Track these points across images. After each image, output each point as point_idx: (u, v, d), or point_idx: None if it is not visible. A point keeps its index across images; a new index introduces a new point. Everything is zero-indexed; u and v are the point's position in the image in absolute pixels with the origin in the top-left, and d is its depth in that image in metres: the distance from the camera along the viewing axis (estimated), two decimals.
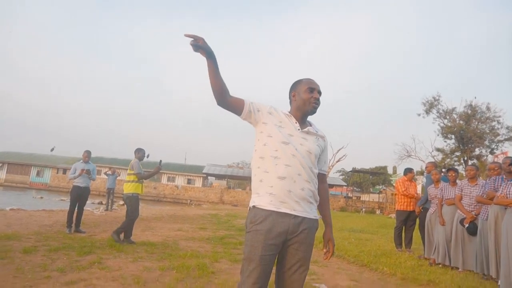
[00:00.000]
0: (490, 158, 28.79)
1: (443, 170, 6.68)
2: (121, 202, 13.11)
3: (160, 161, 6.42)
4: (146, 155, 6.50)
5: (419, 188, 13.43)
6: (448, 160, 30.43)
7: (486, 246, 4.73)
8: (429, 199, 6.29)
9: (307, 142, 1.88)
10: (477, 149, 29.81)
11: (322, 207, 2.01)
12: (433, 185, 6.16)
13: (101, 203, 18.73)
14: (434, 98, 31.53)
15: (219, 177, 41.67)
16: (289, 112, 1.96)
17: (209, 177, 42.55)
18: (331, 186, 41.13)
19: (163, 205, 25.74)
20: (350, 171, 42.74)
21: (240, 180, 46.97)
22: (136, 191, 6.26)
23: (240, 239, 7.65)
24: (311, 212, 1.84)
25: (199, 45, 1.71)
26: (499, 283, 4.29)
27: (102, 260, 4.54)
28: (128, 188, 6.26)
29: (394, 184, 40.52)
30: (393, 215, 25.62)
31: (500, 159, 27.16)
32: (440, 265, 5.43)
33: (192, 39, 1.71)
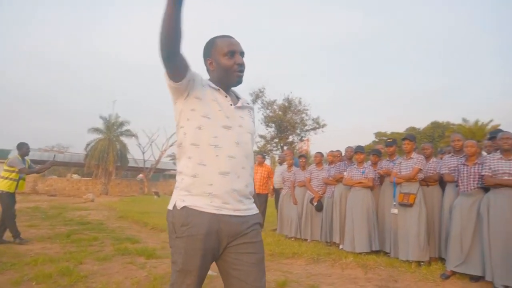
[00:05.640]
0: (300, 144, 34.47)
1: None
2: None
3: (54, 155, 6.10)
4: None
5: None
6: (269, 146, 34.75)
7: (330, 219, 5.78)
8: (282, 181, 7.13)
9: (245, 122, 1.56)
10: (290, 137, 35.12)
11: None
12: (286, 170, 7.01)
13: None
14: (259, 90, 35.19)
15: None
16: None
17: None
18: (163, 170, 40.84)
19: None
20: None
21: (56, 166, 40.82)
22: (9, 190, 5.70)
23: (90, 234, 6.81)
24: (253, 207, 1.58)
25: None
26: (341, 247, 5.35)
27: None
28: (1, 185, 5.70)
29: None
30: None
31: (306, 144, 32.93)
32: (293, 239, 6.30)
33: None
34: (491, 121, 27.61)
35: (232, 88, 1.63)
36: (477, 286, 3.79)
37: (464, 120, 29.73)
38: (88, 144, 29.28)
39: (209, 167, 1.44)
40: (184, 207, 1.43)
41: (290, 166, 6.87)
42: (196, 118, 1.46)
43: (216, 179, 1.43)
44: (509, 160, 3.72)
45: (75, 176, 34.58)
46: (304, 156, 6.83)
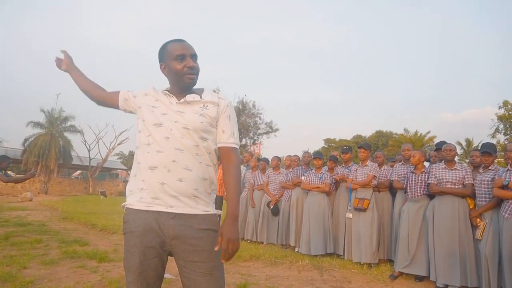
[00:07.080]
0: (252, 147, 34.77)
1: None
2: None
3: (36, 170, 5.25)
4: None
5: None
6: None
7: (286, 222, 5.91)
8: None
9: (184, 116, 1.51)
10: (244, 140, 35.30)
11: (226, 191, 1.56)
12: (250, 171, 6.98)
13: None
14: (214, 91, 34.91)
15: None
16: (167, 89, 1.62)
17: None
18: (110, 169, 39.03)
19: None
20: (131, 155, 41.83)
21: None
22: None
23: (32, 236, 6.34)
24: (200, 207, 1.49)
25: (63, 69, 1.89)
26: (296, 250, 5.50)
27: None
28: None
29: None
30: None
31: (258, 147, 33.31)
32: (249, 241, 6.34)
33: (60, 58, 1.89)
34: (428, 132, 30.14)
35: (201, 88, 1.62)
36: (421, 285, 4.10)
37: (406, 130, 31.99)
38: (26, 139, 27.19)
39: (142, 164, 1.52)
40: (124, 205, 1.54)
41: (254, 168, 6.86)
42: (139, 124, 1.59)
43: (146, 174, 1.49)
44: (452, 169, 4.08)
45: (10, 173, 31.82)
46: (265, 159, 6.89)
